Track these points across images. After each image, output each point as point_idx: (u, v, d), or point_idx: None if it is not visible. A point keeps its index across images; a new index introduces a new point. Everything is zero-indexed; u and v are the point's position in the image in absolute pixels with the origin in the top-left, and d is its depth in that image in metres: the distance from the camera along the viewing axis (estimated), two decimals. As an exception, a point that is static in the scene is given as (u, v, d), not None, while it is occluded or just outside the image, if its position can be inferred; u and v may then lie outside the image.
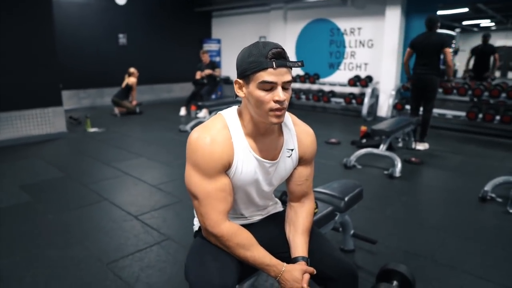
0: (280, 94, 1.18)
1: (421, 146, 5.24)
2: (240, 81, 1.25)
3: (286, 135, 1.39)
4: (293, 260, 1.34)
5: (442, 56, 5.02)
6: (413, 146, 5.24)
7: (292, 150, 1.39)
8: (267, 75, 1.17)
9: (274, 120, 1.22)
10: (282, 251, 1.40)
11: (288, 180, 1.48)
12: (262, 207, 1.50)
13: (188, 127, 6.20)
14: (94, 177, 3.96)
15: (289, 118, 1.42)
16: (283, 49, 1.19)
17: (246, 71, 1.20)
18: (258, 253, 1.28)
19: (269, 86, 1.18)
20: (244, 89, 1.25)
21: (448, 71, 5.10)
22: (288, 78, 1.19)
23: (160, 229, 2.79)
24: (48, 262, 2.33)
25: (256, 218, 1.51)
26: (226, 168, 1.28)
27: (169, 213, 3.09)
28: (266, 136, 1.33)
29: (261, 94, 1.19)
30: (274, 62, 1.16)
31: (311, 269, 1.30)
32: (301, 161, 1.44)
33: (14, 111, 5.27)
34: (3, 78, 5.08)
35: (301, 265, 1.30)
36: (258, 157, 1.32)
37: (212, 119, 1.33)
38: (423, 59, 5.03)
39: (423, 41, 5.02)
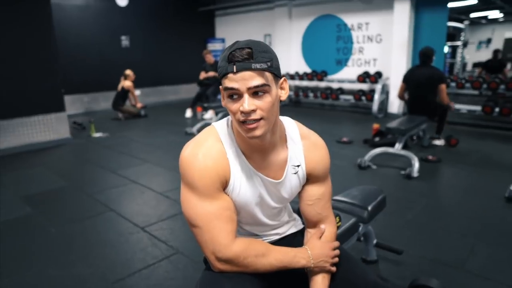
0: (245, 104, 0.98)
1: (438, 142, 5.06)
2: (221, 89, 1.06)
3: (290, 150, 1.19)
4: None
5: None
6: (429, 142, 5.05)
7: (298, 166, 1.20)
8: (228, 81, 0.99)
9: (247, 134, 1.03)
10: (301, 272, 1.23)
11: (299, 199, 1.29)
12: (273, 226, 1.30)
13: (194, 129, 6.04)
14: (99, 186, 3.81)
15: (296, 130, 1.22)
16: (251, 48, 0.98)
17: (218, 78, 1.03)
18: (279, 252, 1.14)
19: (234, 94, 1.00)
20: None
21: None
22: (255, 83, 0.97)
23: (168, 242, 2.62)
24: (51, 283, 2.17)
25: (272, 238, 1.31)
26: (224, 186, 1.10)
27: (176, 223, 2.93)
28: (264, 152, 1.14)
29: (228, 103, 1.02)
30: (234, 66, 0.97)
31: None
32: (311, 179, 1.25)
33: (16, 118, 5.14)
34: (3, 85, 4.96)
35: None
36: (260, 174, 1.14)
37: (203, 132, 1.15)
38: (416, 95, 4.86)
39: (416, 76, 4.84)
